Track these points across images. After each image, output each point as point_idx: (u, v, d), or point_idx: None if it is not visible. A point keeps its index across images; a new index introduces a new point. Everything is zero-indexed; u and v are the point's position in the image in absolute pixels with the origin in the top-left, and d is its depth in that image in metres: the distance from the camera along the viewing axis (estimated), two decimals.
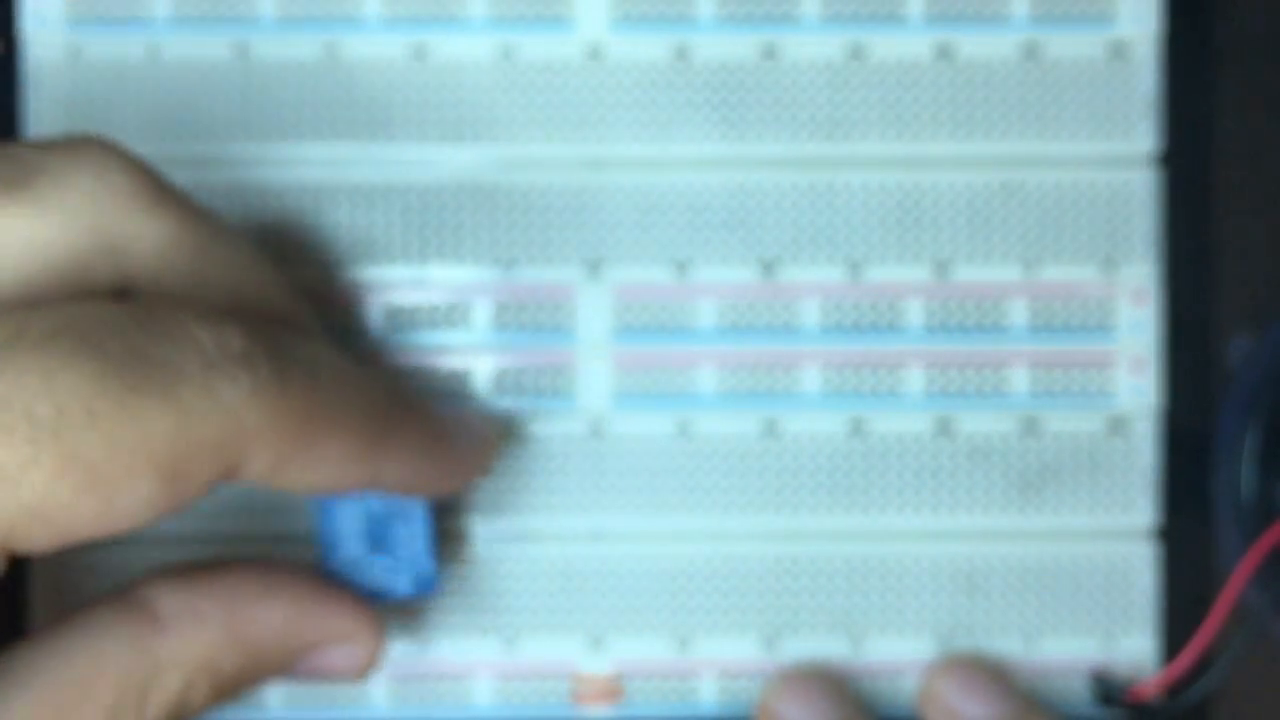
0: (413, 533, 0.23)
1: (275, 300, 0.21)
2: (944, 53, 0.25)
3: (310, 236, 0.25)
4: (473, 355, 0.25)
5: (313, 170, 0.25)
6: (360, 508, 0.23)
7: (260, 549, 0.25)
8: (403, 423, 0.21)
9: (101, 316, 0.18)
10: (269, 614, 0.21)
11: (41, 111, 0.25)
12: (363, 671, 0.22)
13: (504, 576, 0.25)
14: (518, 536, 0.25)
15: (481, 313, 0.25)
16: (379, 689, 0.25)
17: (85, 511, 0.17)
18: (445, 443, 0.22)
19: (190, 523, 0.25)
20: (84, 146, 0.19)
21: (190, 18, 0.25)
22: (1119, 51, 0.25)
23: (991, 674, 0.25)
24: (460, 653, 0.25)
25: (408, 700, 0.25)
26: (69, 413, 0.17)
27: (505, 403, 0.25)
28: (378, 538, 0.23)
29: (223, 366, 0.18)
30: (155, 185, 0.20)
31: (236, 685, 0.21)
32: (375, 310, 0.25)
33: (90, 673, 0.19)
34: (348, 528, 0.23)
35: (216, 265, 0.20)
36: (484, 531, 0.25)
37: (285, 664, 0.21)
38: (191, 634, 0.20)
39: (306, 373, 0.19)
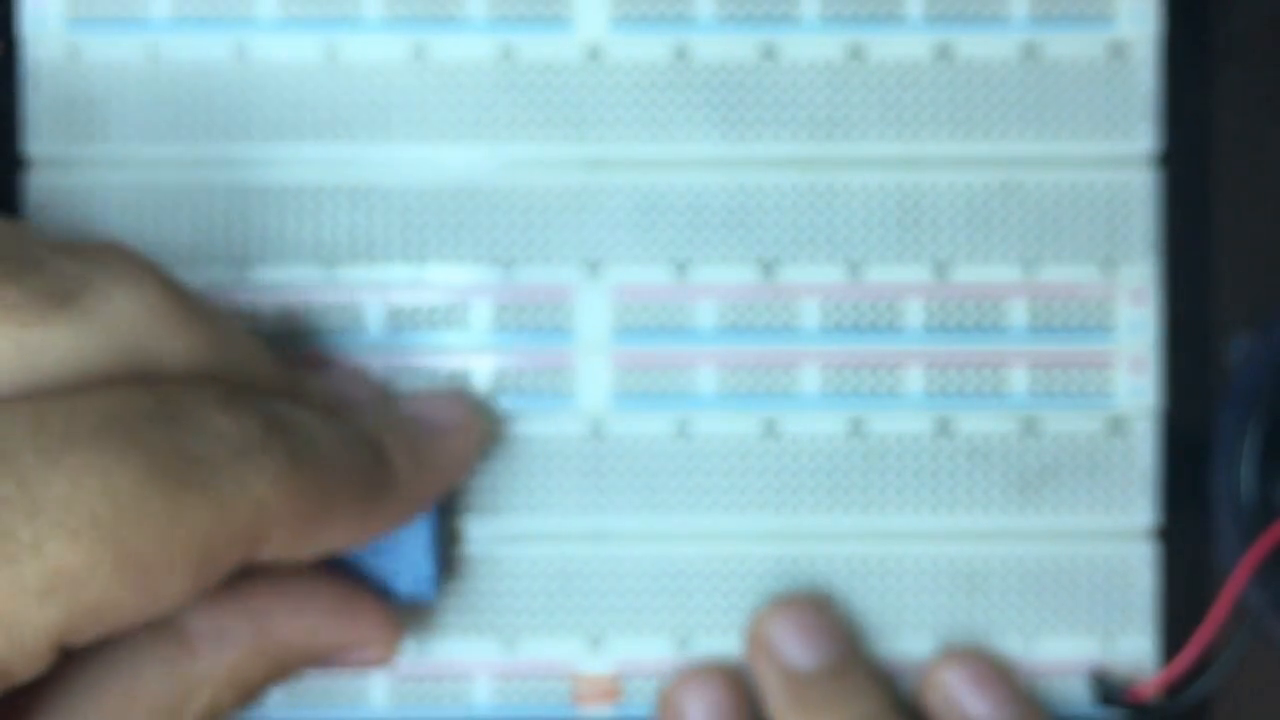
0: (415, 536, 0.23)
1: (278, 383, 0.22)
2: (943, 53, 0.25)
3: (310, 237, 0.25)
4: (472, 356, 0.25)
5: (312, 170, 0.25)
6: None
7: None
8: (394, 479, 0.22)
9: (138, 408, 0.18)
10: (294, 625, 0.21)
11: (41, 111, 0.25)
12: (380, 665, 0.23)
13: (503, 577, 0.25)
14: (517, 537, 0.25)
15: (481, 313, 0.25)
16: (379, 689, 0.25)
17: (134, 606, 0.18)
18: (434, 471, 0.23)
19: None
20: (117, 259, 0.19)
21: (189, 18, 0.25)
22: (1118, 52, 0.25)
23: (999, 671, 0.25)
24: (460, 653, 0.25)
25: (407, 700, 0.25)
26: (126, 513, 0.17)
27: (505, 403, 0.25)
28: (381, 539, 0.23)
29: (248, 456, 0.19)
30: (183, 300, 0.20)
31: (262, 689, 0.21)
32: (375, 311, 0.25)
33: (125, 701, 0.20)
34: None
35: (231, 366, 0.20)
36: (483, 532, 0.25)
37: (309, 666, 0.22)
38: (220, 652, 0.20)
39: (312, 451, 0.20)
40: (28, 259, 0.19)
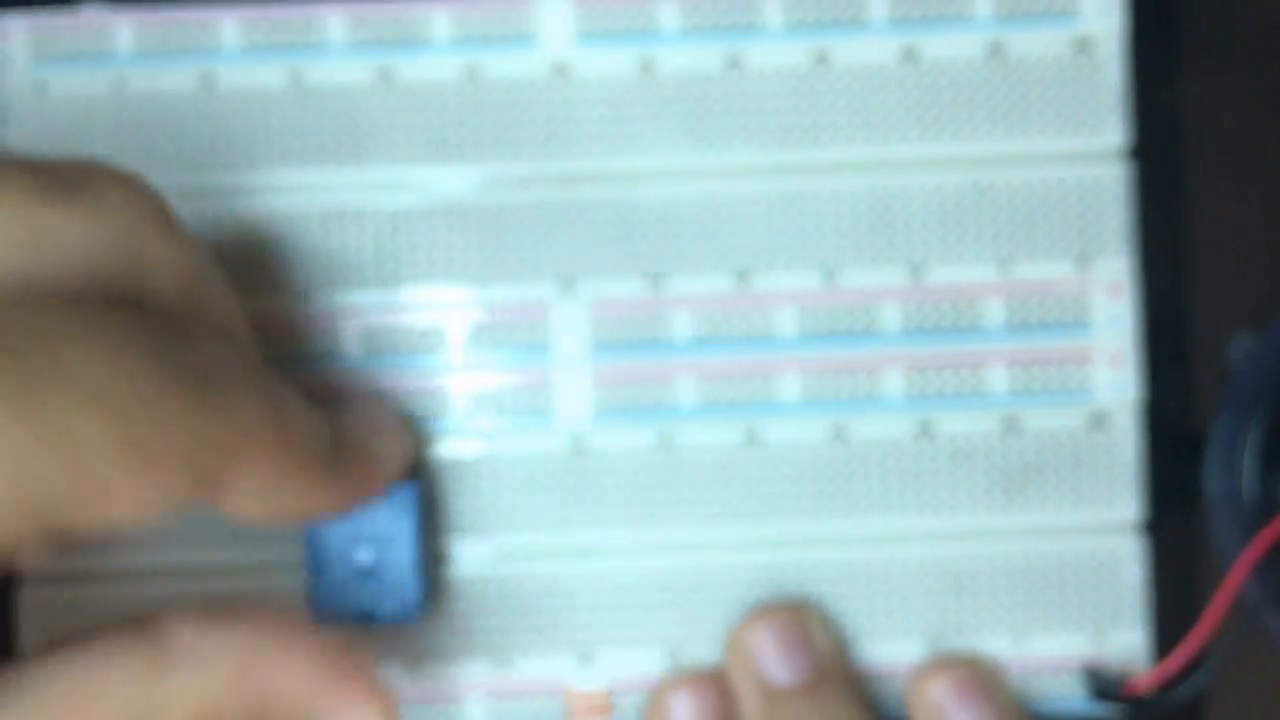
0: (399, 558, 0.23)
1: (241, 330, 0.22)
2: (909, 55, 0.25)
3: (282, 263, 0.25)
4: (450, 376, 0.25)
5: (282, 197, 0.25)
6: (348, 532, 0.23)
7: (250, 579, 0.25)
8: (346, 456, 0.22)
9: (145, 320, 0.19)
10: (284, 675, 0.20)
11: (9, 149, 0.25)
12: None
13: (491, 596, 0.25)
14: (504, 556, 0.25)
15: (457, 333, 0.25)
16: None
17: (127, 495, 0.18)
18: (379, 463, 0.23)
19: (181, 553, 0.25)
20: (106, 166, 0.20)
21: (154, 50, 0.25)
22: (1084, 47, 0.25)
23: (985, 680, 0.24)
24: (451, 675, 0.25)
25: None
26: (135, 399, 0.18)
27: (485, 422, 0.25)
28: (364, 562, 0.23)
29: (238, 378, 0.19)
30: (169, 211, 0.21)
31: None
32: (351, 335, 0.25)
33: (89, 702, 0.18)
34: (335, 552, 0.23)
35: (205, 288, 0.21)
36: (470, 553, 0.25)
37: None
38: (199, 676, 0.19)
39: (282, 400, 0.20)
40: (30, 161, 0.19)
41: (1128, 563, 0.25)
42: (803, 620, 0.24)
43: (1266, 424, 0.25)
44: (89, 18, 0.25)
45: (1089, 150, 0.25)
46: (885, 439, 0.25)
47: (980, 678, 0.24)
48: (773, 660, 0.24)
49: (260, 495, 0.20)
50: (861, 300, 0.25)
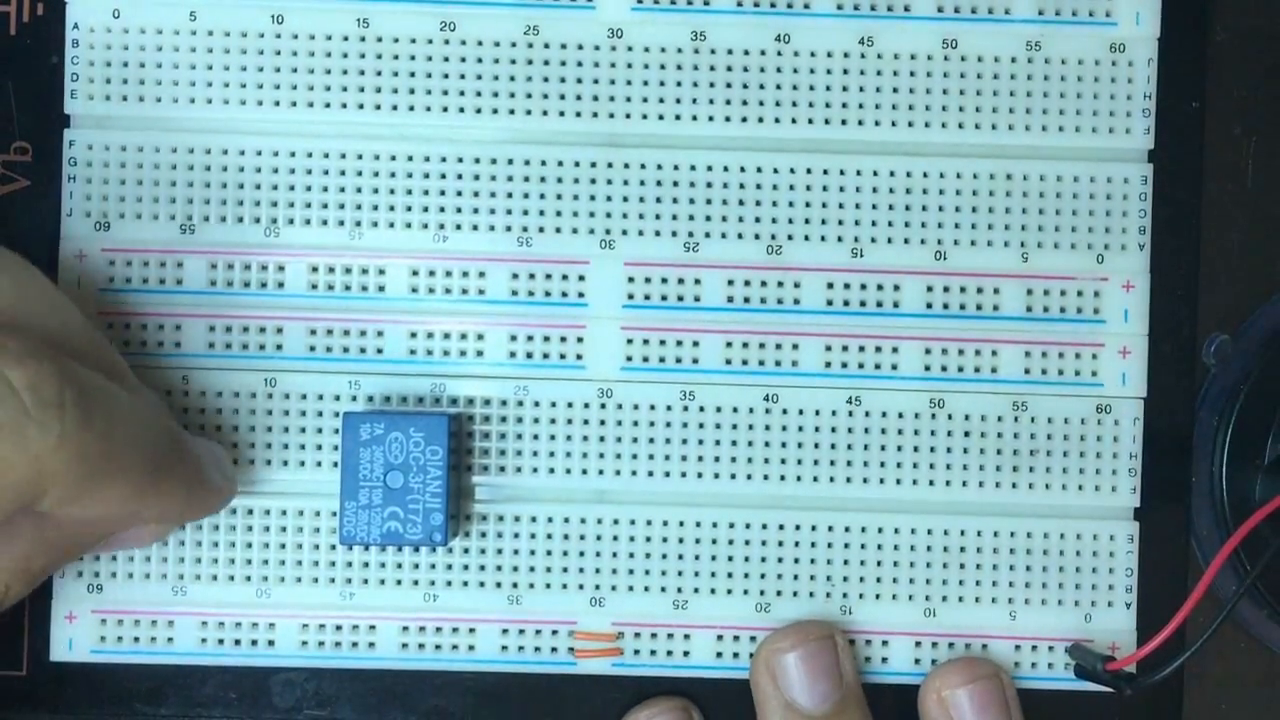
0: (428, 487, 0.24)
1: (78, 337, 0.22)
2: (950, 44, 0.26)
3: (335, 201, 0.26)
4: (489, 320, 0.26)
5: (340, 137, 0.26)
6: (382, 457, 0.24)
7: (284, 502, 0.26)
8: (174, 465, 0.22)
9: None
10: (78, 515, 0.21)
11: (81, 72, 0.26)
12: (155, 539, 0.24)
13: (510, 534, 0.26)
14: (524, 496, 0.26)
15: (498, 280, 0.26)
16: (389, 640, 0.26)
17: None
18: (202, 482, 0.23)
19: None
20: None
21: None
22: (1118, 50, 0.26)
23: (1007, 698, 0.25)
24: (467, 606, 0.26)
25: (413, 650, 0.26)
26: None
27: (517, 366, 0.26)
28: (396, 487, 0.24)
29: (36, 414, 0.19)
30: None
31: (45, 573, 0.22)
32: (397, 274, 0.26)
33: None
34: (368, 475, 0.24)
35: (34, 317, 0.21)
36: (491, 490, 0.26)
37: (93, 548, 0.23)
38: (6, 546, 0.21)
39: (106, 417, 0.20)
40: None
41: (1122, 547, 0.26)
42: (833, 648, 0.25)
43: (1240, 422, 0.26)
44: None
45: (1115, 150, 0.26)
46: (898, 410, 0.26)
47: (1004, 693, 0.25)
48: (801, 687, 0.25)
49: (74, 504, 0.20)
50: (886, 277, 0.26)
